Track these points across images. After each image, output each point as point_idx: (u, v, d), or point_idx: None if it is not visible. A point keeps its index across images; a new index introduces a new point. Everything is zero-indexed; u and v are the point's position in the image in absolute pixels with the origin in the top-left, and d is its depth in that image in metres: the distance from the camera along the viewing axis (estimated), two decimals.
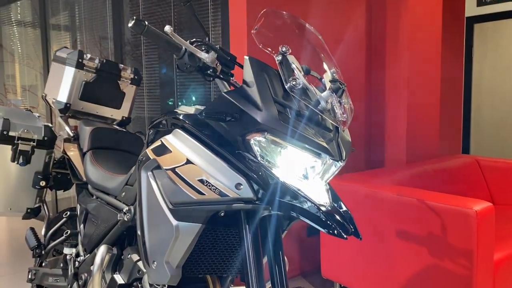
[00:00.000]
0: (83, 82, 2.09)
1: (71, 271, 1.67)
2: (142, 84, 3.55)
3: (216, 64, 1.17)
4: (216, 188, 1.06)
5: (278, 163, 1.06)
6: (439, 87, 3.31)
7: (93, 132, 1.89)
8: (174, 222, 1.12)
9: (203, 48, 1.15)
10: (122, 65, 2.22)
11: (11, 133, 1.72)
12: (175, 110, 1.28)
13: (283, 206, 1.02)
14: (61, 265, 1.79)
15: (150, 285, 1.25)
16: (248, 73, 1.08)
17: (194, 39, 1.16)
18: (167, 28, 1.08)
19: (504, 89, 5.49)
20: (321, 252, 2.54)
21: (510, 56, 5.44)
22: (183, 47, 1.12)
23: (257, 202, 1.04)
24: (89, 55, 2.11)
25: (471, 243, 1.87)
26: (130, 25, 1.05)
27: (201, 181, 1.08)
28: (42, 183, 1.82)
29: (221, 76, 1.23)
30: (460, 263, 1.91)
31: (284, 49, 1.08)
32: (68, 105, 2.07)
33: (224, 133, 1.09)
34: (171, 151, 1.16)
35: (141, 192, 1.23)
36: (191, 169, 1.10)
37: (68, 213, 1.84)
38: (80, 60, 2.07)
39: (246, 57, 1.10)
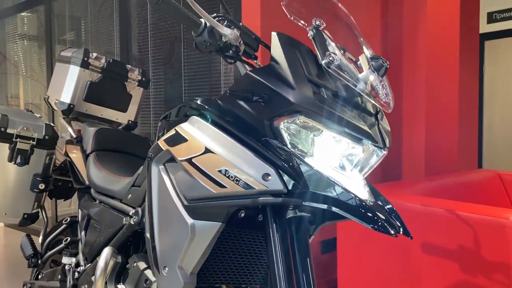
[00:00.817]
0: (88, 82, 1.98)
1: (69, 282, 1.51)
2: (148, 99, 3.44)
3: (240, 43, 1.05)
4: (240, 179, 0.92)
5: (311, 151, 0.92)
6: (457, 103, 3.20)
7: (97, 133, 1.76)
8: (190, 220, 0.98)
9: (225, 24, 1.03)
10: (130, 66, 2.11)
11: (9, 130, 1.59)
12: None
13: (319, 199, 0.88)
14: (59, 276, 1.63)
15: None
16: (277, 50, 0.95)
17: (215, 14, 1.03)
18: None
19: None
20: (338, 270, 2.36)
21: None
22: (203, 22, 1.00)
23: (287, 195, 0.90)
24: (95, 54, 2.00)
25: (508, 256, 1.70)
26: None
27: (222, 172, 0.94)
28: (41, 186, 1.68)
29: (244, 58, 1.10)
30: (495, 279, 1.74)
31: (318, 22, 0.96)
32: (71, 106, 1.94)
33: (249, 118, 0.95)
34: (187, 140, 1.02)
35: (152, 188, 1.09)
36: (211, 159, 0.96)
37: (69, 219, 1.69)
38: (85, 59, 1.96)
39: (274, 33, 0.98)
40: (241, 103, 0.97)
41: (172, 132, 1.08)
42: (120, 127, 2.11)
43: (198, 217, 0.97)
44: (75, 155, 1.73)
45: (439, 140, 3.06)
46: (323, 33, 0.95)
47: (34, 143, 1.64)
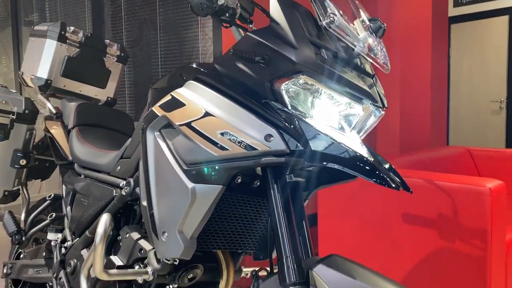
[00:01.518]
0: (66, 57, 1.91)
1: (56, 258, 1.48)
2: (123, 80, 3.37)
3: (237, 5, 1.04)
4: (242, 141, 0.91)
5: (311, 112, 0.93)
6: (429, 84, 3.30)
7: (78, 108, 1.71)
8: (190, 184, 0.97)
9: None
10: (108, 41, 2.05)
11: None
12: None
13: (321, 158, 0.89)
14: (44, 254, 1.59)
15: (158, 261, 1.09)
16: (276, 10, 0.95)
17: None
18: None
19: (480, 86, 5.58)
20: (319, 245, 2.41)
21: (485, 55, 5.53)
22: None
23: (289, 155, 0.90)
24: (72, 28, 1.93)
25: (485, 222, 1.78)
26: None
27: (224, 134, 0.93)
28: (23, 162, 1.62)
29: (238, 23, 1.09)
30: (473, 243, 1.83)
31: None
32: (49, 81, 1.88)
33: (249, 81, 0.95)
34: (184, 105, 1.01)
35: (147, 156, 1.08)
36: (211, 122, 0.95)
37: (52, 195, 1.64)
38: (62, 33, 1.89)
39: None
40: (240, 65, 0.97)
41: (167, 97, 1.07)
42: (99, 104, 2.05)
43: (199, 181, 0.97)
44: (56, 131, 1.68)
45: (413, 118, 3.17)
46: None
47: (14, 117, 1.57)
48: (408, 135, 3.15)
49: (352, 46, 0.93)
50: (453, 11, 5.62)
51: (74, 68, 1.94)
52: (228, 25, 1.08)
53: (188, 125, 0.98)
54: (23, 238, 1.64)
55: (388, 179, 0.87)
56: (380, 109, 0.95)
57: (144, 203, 1.09)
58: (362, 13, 1.01)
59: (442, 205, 1.90)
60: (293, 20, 0.93)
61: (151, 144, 1.07)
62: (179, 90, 1.05)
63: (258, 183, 1.11)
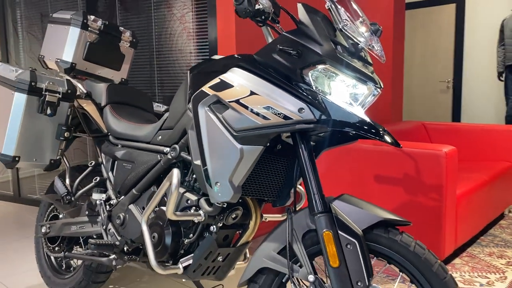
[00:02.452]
0: (88, 43, 2.15)
1: (103, 213, 1.77)
2: None
3: (271, 11, 1.37)
4: (281, 113, 1.26)
5: (330, 92, 1.28)
6: (391, 66, 3.73)
7: (109, 88, 1.98)
8: (239, 146, 1.31)
9: None
10: (122, 28, 2.30)
11: (38, 85, 1.77)
12: (218, 56, 1.46)
13: (339, 124, 1.25)
14: (86, 212, 1.87)
15: (209, 205, 1.42)
16: (303, 16, 1.29)
17: None
18: None
19: (430, 68, 6.16)
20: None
21: (435, 39, 6.10)
22: None
23: (317, 123, 1.26)
24: (92, 16, 2.17)
25: (441, 179, 2.24)
26: None
27: (266, 108, 1.27)
28: (66, 135, 1.88)
29: (268, 23, 1.42)
30: (431, 196, 2.28)
31: None
32: (73, 64, 2.12)
33: (283, 68, 1.29)
34: (232, 86, 1.34)
35: (200, 126, 1.39)
36: (256, 99, 1.29)
37: (93, 162, 1.91)
38: (85, 21, 2.13)
39: (299, 4, 1.31)
40: (276, 57, 1.31)
41: (216, 80, 1.38)
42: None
43: (245, 143, 1.30)
44: (90, 108, 1.94)
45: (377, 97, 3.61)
46: (337, 6, 1.30)
47: (60, 96, 1.82)
48: (372, 112, 3.60)
49: (359, 42, 1.29)
50: None
51: (94, 53, 2.18)
52: (261, 24, 1.41)
53: (237, 101, 1.31)
54: (72, 199, 1.92)
55: (385, 137, 1.24)
56: (378, 89, 1.32)
57: (197, 162, 1.41)
58: (362, 14, 1.37)
59: (407, 167, 2.34)
60: (317, 24, 1.28)
61: (203, 116, 1.39)
62: (225, 75, 1.37)
63: (280, 146, 1.47)
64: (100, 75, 2.25)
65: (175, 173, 1.40)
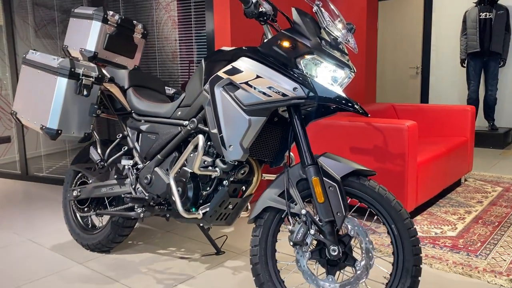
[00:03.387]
0: (107, 35, 2.52)
1: (132, 175, 2.18)
2: None
3: (272, 13, 1.78)
4: (280, 91, 1.68)
5: (316, 75, 1.71)
6: (364, 52, 4.19)
7: (130, 73, 2.36)
8: (247, 117, 1.73)
9: (264, 1, 1.76)
10: (135, 21, 2.67)
11: (77, 70, 2.14)
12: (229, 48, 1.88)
13: (324, 99, 1.68)
14: (115, 176, 2.27)
15: (224, 163, 1.84)
16: (296, 17, 1.71)
17: None
18: None
19: (400, 55, 6.67)
20: None
21: (405, 28, 6.60)
22: (252, 0, 1.72)
23: (307, 98, 1.68)
24: (111, 12, 2.54)
25: (404, 149, 2.71)
26: None
27: (269, 88, 1.69)
28: (98, 112, 2.27)
29: (269, 22, 1.83)
30: (396, 163, 2.76)
31: (318, 2, 1.73)
32: (96, 53, 2.49)
33: (281, 58, 1.70)
34: (242, 71, 1.75)
35: (216, 102, 1.80)
36: (261, 81, 1.70)
37: (121, 135, 2.30)
38: (105, 16, 2.49)
39: (293, 8, 1.73)
40: (276, 48, 1.72)
41: (229, 67, 1.79)
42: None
43: (252, 115, 1.72)
44: (115, 90, 2.32)
45: (352, 81, 4.06)
46: (322, 9, 1.73)
47: (93, 80, 2.19)
48: (348, 95, 4.07)
49: (337, 37, 1.72)
50: None
51: (113, 43, 2.55)
52: (263, 23, 1.82)
53: (246, 83, 1.73)
54: (105, 164, 2.30)
55: (358, 109, 1.68)
56: (353, 73, 1.75)
57: (214, 131, 1.82)
58: (341, 16, 1.80)
59: (376, 139, 2.81)
60: (307, 24, 1.70)
61: (218, 95, 1.80)
62: (236, 62, 1.78)
63: (276, 119, 1.90)
64: (117, 62, 2.62)
65: (201, 137, 1.82)
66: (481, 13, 5.56)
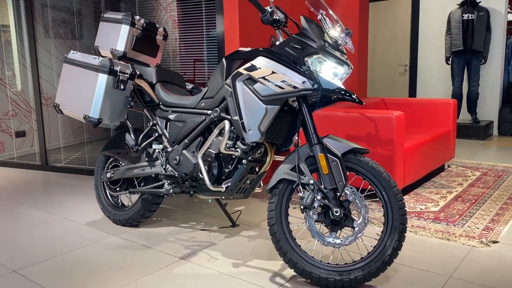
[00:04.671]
0: (135, 37, 2.88)
1: (162, 157, 2.55)
2: None
3: (285, 20, 2.17)
4: (291, 84, 2.06)
5: (320, 71, 2.09)
6: (357, 50, 4.59)
7: (157, 70, 2.73)
8: (264, 105, 2.11)
9: (278, 11, 2.14)
10: (158, 24, 3.04)
11: (115, 68, 2.51)
12: (246, 49, 2.25)
13: (327, 91, 2.06)
14: (146, 159, 2.64)
15: (243, 145, 2.22)
16: (304, 24, 2.09)
17: (271, 4, 2.13)
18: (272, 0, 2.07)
19: (390, 53, 7.09)
20: None
21: (394, 28, 7.03)
22: (268, 8, 2.10)
23: (313, 90, 2.06)
24: (137, 17, 2.90)
25: (392, 135, 3.11)
26: None
27: (282, 81, 2.07)
28: (132, 103, 2.63)
29: (281, 27, 2.22)
30: (386, 148, 3.16)
31: (321, 11, 2.11)
32: (125, 53, 2.85)
33: (292, 57, 2.09)
34: (259, 68, 2.13)
35: (237, 94, 2.18)
36: (275, 76, 2.08)
37: (151, 123, 2.67)
38: (133, 20, 2.85)
39: (302, 16, 2.11)
40: (288, 49, 2.10)
41: (248, 64, 2.17)
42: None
43: (269, 104, 2.10)
44: (144, 84, 2.68)
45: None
46: (325, 17, 2.11)
47: (128, 76, 2.55)
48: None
49: (338, 40, 2.10)
50: None
51: (139, 44, 2.92)
52: (276, 28, 2.20)
53: (263, 78, 2.11)
54: (139, 148, 2.67)
55: (355, 98, 2.07)
56: (350, 69, 2.13)
57: (236, 118, 2.20)
58: (340, 22, 2.18)
59: (369, 127, 3.21)
60: (313, 29, 2.08)
61: (239, 88, 2.18)
62: (254, 61, 2.16)
63: (286, 108, 2.28)
64: (142, 61, 2.99)
65: (227, 122, 2.20)
66: (464, 14, 5.99)
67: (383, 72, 7.27)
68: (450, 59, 6.19)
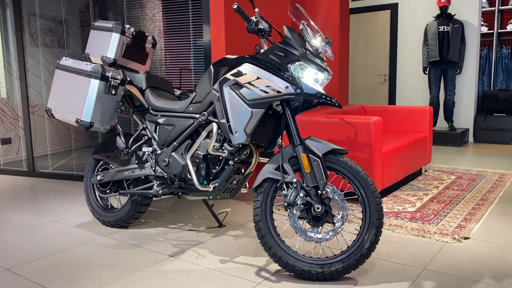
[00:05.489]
0: (125, 45, 3.00)
1: (152, 160, 2.66)
2: None
3: (269, 29, 2.31)
4: (275, 89, 2.20)
5: (302, 77, 2.24)
6: (338, 60, 4.78)
7: (146, 77, 2.85)
8: (250, 109, 2.24)
9: (263, 21, 2.28)
10: (146, 33, 3.16)
11: (106, 74, 2.62)
12: (231, 56, 2.39)
13: (309, 95, 2.21)
14: (135, 161, 2.74)
15: (230, 146, 2.35)
16: (287, 33, 2.24)
17: (259, 16, 2.27)
18: (256, 10, 2.21)
19: (370, 63, 7.33)
20: None
21: (374, 39, 7.27)
22: (253, 18, 2.25)
23: (296, 95, 2.21)
24: (127, 25, 3.02)
25: (371, 139, 3.28)
26: (234, 7, 2.15)
27: (267, 86, 2.21)
28: (123, 108, 2.74)
29: (265, 36, 2.36)
30: (365, 152, 3.32)
31: (303, 21, 2.27)
32: (115, 60, 2.96)
33: (276, 63, 2.23)
34: (245, 74, 2.27)
35: (224, 98, 2.31)
36: (260, 81, 2.23)
37: (141, 126, 2.77)
38: (123, 29, 2.97)
39: (285, 26, 2.26)
40: (272, 56, 2.25)
41: (235, 70, 2.31)
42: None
43: (254, 107, 2.23)
44: (134, 90, 2.79)
45: (327, 85, 4.62)
46: (306, 27, 2.26)
47: (119, 82, 2.66)
48: None
49: (318, 48, 2.26)
50: (351, 4, 7.25)
51: (129, 52, 3.03)
52: (261, 37, 2.34)
53: (249, 83, 2.25)
54: (129, 151, 2.77)
55: (334, 102, 2.22)
56: (330, 76, 2.29)
57: (223, 121, 2.33)
58: (320, 32, 2.34)
59: (349, 132, 3.37)
60: (295, 38, 2.23)
61: (227, 93, 2.31)
62: (240, 67, 2.30)
63: (270, 112, 2.42)
64: (131, 68, 3.10)
65: (215, 125, 2.32)
66: (439, 26, 6.26)
67: (363, 82, 7.51)
68: (427, 69, 6.44)
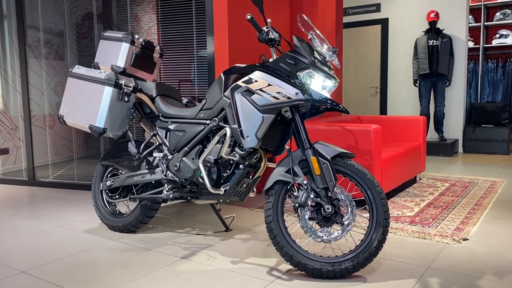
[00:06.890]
0: (134, 54, 3.09)
1: (162, 165, 2.73)
2: None
3: (278, 39, 2.43)
4: (286, 95, 2.31)
5: (311, 84, 2.36)
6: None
7: (156, 85, 2.94)
8: (261, 114, 2.34)
9: (273, 30, 2.40)
10: (155, 43, 3.26)
11: (120, 81, 2.70)
12: (240, 65, 2.50)
13: (317, 101, 2.32)
14: (146, 167, 2.81)
15: (241, 150, 2.44)
16: (297, 42, 2.36)
17: (270, 26, 2.39)
18: (269, 21, 2.33)
19: (362, 76, 7.52)
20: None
21: (366, 53, 7.48)
22: (265, 29, 2.36)
23: (305, 101, 2.32)
24: (137, 35, 3.12)
25: (371, 146, 3.40)
26: (248, 17, 2.26)
27: (278, 93, 2.32)
28: (134, 114, 2.82)
29: (275, 45, 2.48)
30: (365, 158, 3.44)
31: (311, 31, 2.39)
32: (125, 69, 3.05)
33: (286, 71, 2.34)
34: (257, 81, 2.37)
35: (237, 104, 2.41)
36: (271, 88, 2.33)
37: (152, 133, 2.85)
38: (133, 39, 3.06)
39: (294, 36, 2.38)
40: (282, 64, 2.36)
41: (246, 78, 2.41)
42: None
43: (265, 113, 2.34)
44: (144, 97, 2.88)
45: None
46: (314, 37, 2.39)
47: (131, 89, 2.74)
48: None
49: (326, 57, 2.38)
50: (343, 19, 7.46)
51: (138, 61, 3.12)
52: (271, 46, 2.46)
53: (260, 89, 2.35)
54: (140, 156, 2.84)
55: (342, 109, 2.34)
56: (337, 83, 2.41)
57: (234, 126, 2.42)
58: (327, 42, 2.47)
59: (349, 139, 3.49)
60: (304, 47, 2.35)
61: (238, 99, 2.41)
62: (251, 74, 2.40)
63: (279, 117, 2.53)
64: (140, 76, 3.19)
65: (228, 129, 2.42)
66: (429, 40, 6.48)
67: (356, 94, 7.69)
68: (418, 82, 6.64)
